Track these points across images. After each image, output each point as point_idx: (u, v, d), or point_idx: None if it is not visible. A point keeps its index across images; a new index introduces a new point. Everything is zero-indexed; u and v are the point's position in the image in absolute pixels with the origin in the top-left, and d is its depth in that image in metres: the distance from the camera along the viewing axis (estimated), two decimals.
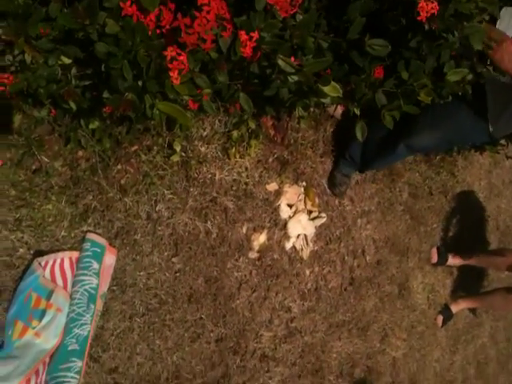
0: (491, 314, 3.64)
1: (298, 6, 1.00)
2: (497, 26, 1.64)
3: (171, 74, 0.87)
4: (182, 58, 0.86)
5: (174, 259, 1.69)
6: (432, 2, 1.14)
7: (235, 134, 1.85)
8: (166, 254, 1.67)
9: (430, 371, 3.09)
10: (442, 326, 3.08)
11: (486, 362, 3.64)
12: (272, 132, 2.09)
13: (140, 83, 0.92)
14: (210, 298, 1.80)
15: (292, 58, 1.20)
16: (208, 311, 1.79)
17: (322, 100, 1.29)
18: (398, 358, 2.82)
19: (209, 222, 1.79)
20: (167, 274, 1.67)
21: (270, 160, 2.06)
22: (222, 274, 1.84)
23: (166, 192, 1.66)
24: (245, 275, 1.93)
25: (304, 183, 2.20)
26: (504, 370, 3.90)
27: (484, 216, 3.43)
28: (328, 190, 2.33)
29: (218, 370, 1.85)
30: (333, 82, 1.14)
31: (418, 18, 1.16)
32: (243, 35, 1.09)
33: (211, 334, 1.81)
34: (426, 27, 1.21)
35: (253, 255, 1.97)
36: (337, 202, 2.39)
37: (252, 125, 1.88)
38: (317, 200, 2.25)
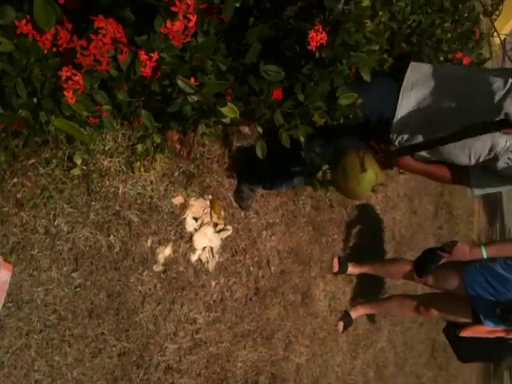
0: (389, 320, 3.88)
1: (190, 36, 1.04)
2: (404, 82, 1.78)
3: (66, 93, 0.88)
4: (77, 78, 0.88)
5: (73, 274, 1.66)
6: (321, 33, 1.24)
7: (140, 147, 1.86)
8: (65, 269, 1.64)
9: (332, 376, 3.24)
10: (342, 332, 3.24)
11: (384, 365, 3.86)
12: (178, 146, 2.12)
13: (35, 100, 0.92)
14: (112, 313, 1.78)
15: (192, 79, 1.25)
16: (110, 326, 1.78)
17: (222, 120, 1.35)
18: (302, 364, 2.94)
19: (111, 236, 1.79)
20: (66, 290, 1.64)
21: (176, 174, 2.09)
22: (125, 288, 1.83)
23: (65, 206, 1.63)
24: (149, 289, 1.93)
25: (210, 196, 2.25)
26: (402, 372, 4.15)
27: (381, 227, 3.67)
28: (234, 203, 2.40)
29: None
30: (230, 104, 1.20)
31: (309, 47, 1.25)
32: (143, 55, 1.12)
33: (113, 349, 1.79)
34: (317, 55, 1.31)
35: (157, 268, 1.98)
36: (242, 214, 2.46)
37: (157, 139, 1.90)
38: (222, 213, 2.30)
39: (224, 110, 1.19)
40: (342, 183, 1.80)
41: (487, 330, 2.73)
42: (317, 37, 1.23)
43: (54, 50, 0.92)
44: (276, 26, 1.37)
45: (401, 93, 1.78)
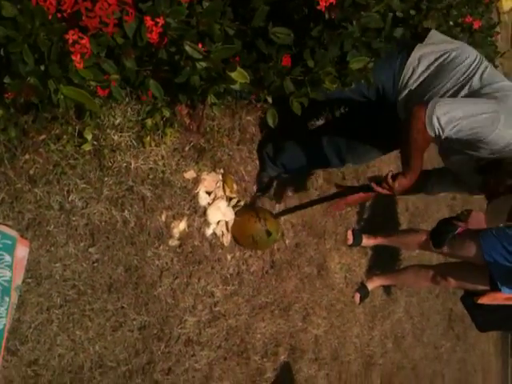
0: (405, 290, 3.88)
1: None
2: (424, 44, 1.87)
3: (73, 57, 0.87)
4: (84, 41, 0.86)
5: (90, 249, 1.67)
6: None
7: (149, 122, 1.85)
8: (82, 244, 1.65)
9: (350, 347, 3.25)
10: (359, 304, 3.25)
11: (402, 335, 3.87)
12: (187, 120, 2.11)
13: (42, 67, 0.91)
14: (131, 287, 1.80)
15: (200, 45, 1.23)
16: (129, 300, 1.79)
17: (232, 86, 1.34)
18: (320, 336, 2.95)
19: (126, 211, 1.79)
20: (84, 265, 1.65)
21: (187, 148, 2.08)
22: (143, 263, 1.84)
23: (78, 182, 1.64)
24: (166, 263, 1.94)
25: (222, 170, 2.24)
26: (419, 343, 4.17)
27: (394, 198, 3.65)
28: (246, 177, 2.39)
29: (143, 356, 1.85)
30: (240, 68, 1.19)
31: (318, 7, 1.22)
32: (149, 21, 1.11)
33: (134, 322, 1.81)
34: (326, 16, 1.28)
35: (173, 243, 1.98)
36: (255, 188, 2.45)
37: (166, 113, 1.88)
38: (235, 186, 2.30)
39: (233, 74, 1.18)
40: (254, 247, 2.29)
41: (505, 296, 2.71)
42: None
43: (59, 15, 0.91)
44: None
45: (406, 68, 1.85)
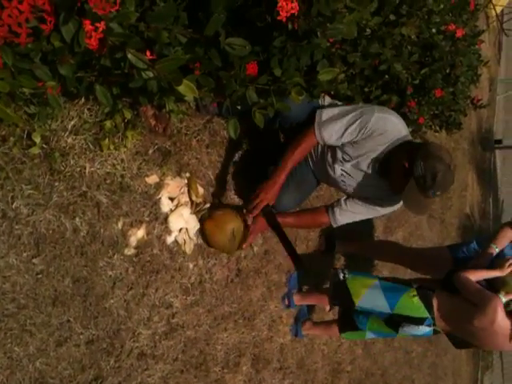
0: None
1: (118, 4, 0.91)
2: None
3: None
4: None
5: (34, 260, 1.56)
6: (292, 2, 1.10)
7: (108, 124, 1.74)
8: (24, 254, 1.53)
9: (318, 354, 3.19)
10: (329, 311, 3.17)
11: (372, 341, 3.81)
12: (153, 122, 1.99)
13: None
14: (78, 300, 1.69)
15: (148, 52, 1.13)
16: (76, 313, 1.69)
17: (185, 98, 1.23)
18: (286, 344, 2.88)
19: (77, 219, 1.68)
20: (27, 277, 1.54)
21: (151, 151, 1.97)
22: (93, 274, 1.73)
23: (24, 187, 1.52)
24: (120, 273, 1.84)
25: (187, 175, 2.13)
26: (390, 348, 4.12)
27: None
28: (214, 181, 2.29)
29: (90, 372, 1.75)
30: (187, 82, 1.08)
31: (278, 18, 1.12)
32: (88, 25, 1.00)
33: (81, 337, 1.71)
34: (290, 27, 1.18)
35: (129, 252, 1.88)
36: (224, 194, 2.35)
37: (128, 115, 1.77)
38: (201, 191, 2.19)
39: (181, 88, 1.07)
40: (231, 245, 2.13)
41: None
42: (287, 6, 1.09)
43: None
44: None
45: None
